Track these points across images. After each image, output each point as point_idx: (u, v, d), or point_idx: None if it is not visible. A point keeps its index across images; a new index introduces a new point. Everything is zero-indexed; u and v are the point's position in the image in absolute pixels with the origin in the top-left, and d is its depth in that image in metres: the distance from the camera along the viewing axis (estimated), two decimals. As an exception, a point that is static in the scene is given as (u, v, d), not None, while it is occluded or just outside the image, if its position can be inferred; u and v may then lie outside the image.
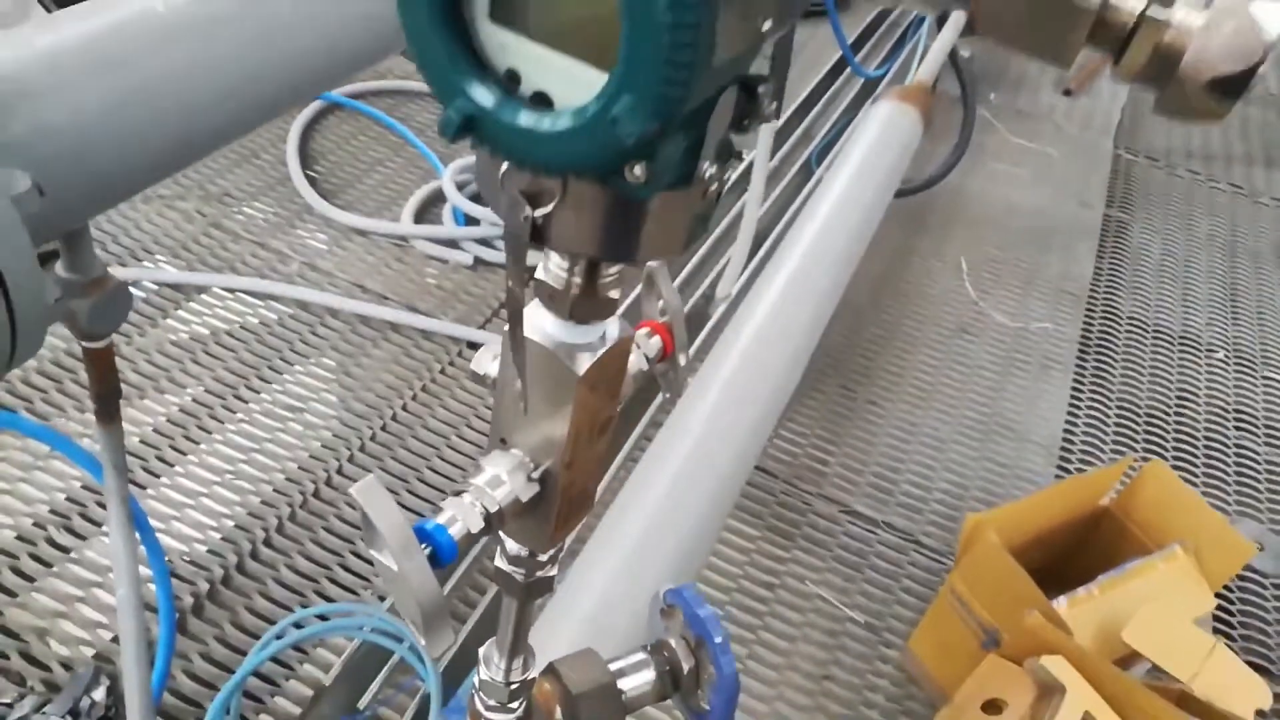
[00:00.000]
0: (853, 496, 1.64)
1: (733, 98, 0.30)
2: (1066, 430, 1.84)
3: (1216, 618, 1.54)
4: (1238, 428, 1.91)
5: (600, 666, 0.60)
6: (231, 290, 1.80)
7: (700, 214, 0.33)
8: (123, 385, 0.97)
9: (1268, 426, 1.92)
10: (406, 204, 2.03)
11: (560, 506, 0.42)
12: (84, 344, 0.99)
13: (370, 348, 1.75)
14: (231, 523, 1.44)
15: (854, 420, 1.78)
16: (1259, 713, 1.17)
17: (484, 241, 1.96)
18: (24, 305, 0.72)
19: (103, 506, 1.41)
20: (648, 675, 0.60)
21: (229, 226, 1.94)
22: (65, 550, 1.36)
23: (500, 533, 0.44)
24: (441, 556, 0.38)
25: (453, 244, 1.96)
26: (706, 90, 0.28)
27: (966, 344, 1.99)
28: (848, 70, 2.56)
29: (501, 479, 0.40)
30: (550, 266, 0.36)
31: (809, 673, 1.39)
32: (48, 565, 1.34)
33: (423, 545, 0.38)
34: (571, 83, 0.28)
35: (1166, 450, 1.85)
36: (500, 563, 0.47)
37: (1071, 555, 1.42)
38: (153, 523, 1.39)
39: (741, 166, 1.96)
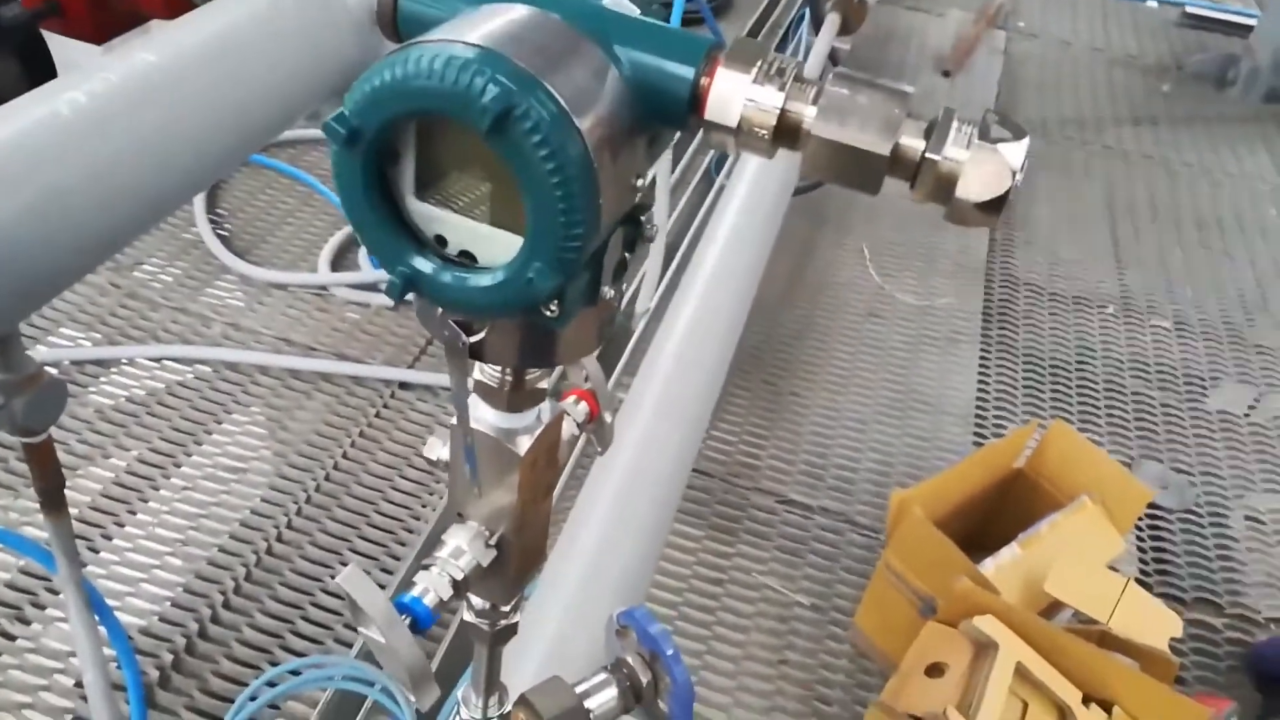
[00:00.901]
0: (787, 486, 1.72)
1: (621, 234, 0.37)
2: (979, 398, 1.95)
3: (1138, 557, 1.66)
4: (1134, 376, 2.05)
5: (567, 691, 0.66)
6: (157, 359, 1.81)
7: (606, 320, 0.39)
8: (63, 466, 0.99)
9: (1159, 373, 2.06)
10: (321, 252, 2.06)
11: (516, 564, 0.48)
12: (23, 440, 1.01)
13: (304, 400, 1.78)
14: (187, 590, 1.46)
15: (780, 413, 1.86)
16: (1173, 640, 1.28)
17: (404, 281, 1.99)
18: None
19: (52, 591, 1.42)
20: (611, 693, 0.66)
21: (145, 295, 1.94)
22: (21, 640, 1.37)
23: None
24: (421, 624, 0.44)
25: (372, 287, 1.99)
26: (601, 240, 0.35)
27: (877, 327, 2.09)
28: (737, 74, 2.65)
29: (463, 549, 0.46)
30: (486, 369, 0.42)
31: (766, 659, 1.47)
32: (5, 658, 1.35)
33: (403, 616, 0.44)
34: (491, 245, 0.35)
35: (1072, 405, 1.97)
36: (468, 616, 0.53)
37: (993, 517, 1.52)
38: (109, 601, 1.41)
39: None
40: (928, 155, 0.33)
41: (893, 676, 1.29)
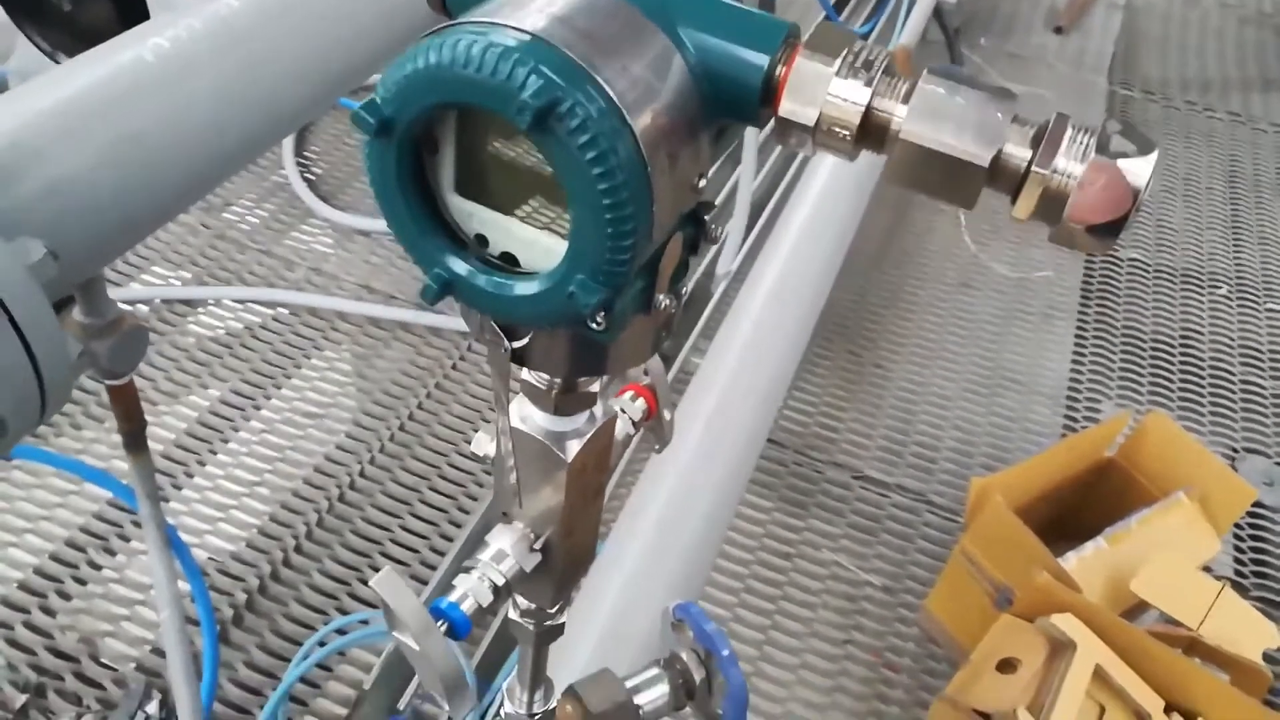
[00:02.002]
0: (863, 461, 1.68)
1: (680, 239, 0.33)
2: (1072, 378, 1.87)
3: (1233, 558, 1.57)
4: (1243, 363, 1.93)
5: (617, 685, 0.63)
6: (242, 301, 1.84)
7: (661, 328, 0.36)
8: (147, 398, 1.01)
9: (1273, 360, 1.94)
10: (405, 200, 2.05)
11: (563, 568, 0.45)
12: (106, 382, 1.03)
13: (382, 348, 1.78)
14: (262, 532, 1.49)
15: (861, 384, 1.81)
16: (1267, 654, 1.21)
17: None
18: (51, 370, 0.75)
19: (136, 525, 1.47)
20: (662, 689, 0.64)
21: (233, 236, 1.97)
22: (105, 570, 1.42)
23: (511, 591, 0.48)
24: (458, 631, 0.42)
25: (454, 237, 1.98)
26: (654, 248, 0.31)
27: (969, 299, 2.01)
28: (835, 28, 2.54)
29: (506, 553, 0.44)
30: (532, 371, 0.39)
31: (831, 638, 1.44)
32: (91, 586, 1.40)
33: (439, 623, 0.41)
34: (534, 247, 0.31)
35: (1172, 390, 1.87)
36: (512, 615, 0.50)
37: (1081, 506, 1.46)
38: (187, 537, 1.45)
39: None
40: (1035, 168, 0.29)
41: (962, 668, 1.25)
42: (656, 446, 0.51)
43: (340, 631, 1.35)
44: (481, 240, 0.33)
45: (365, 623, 1.36)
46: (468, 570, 0.43)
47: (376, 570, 1.43)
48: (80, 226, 0.86)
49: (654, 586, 0.84)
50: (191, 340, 1.76)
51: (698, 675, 0.64)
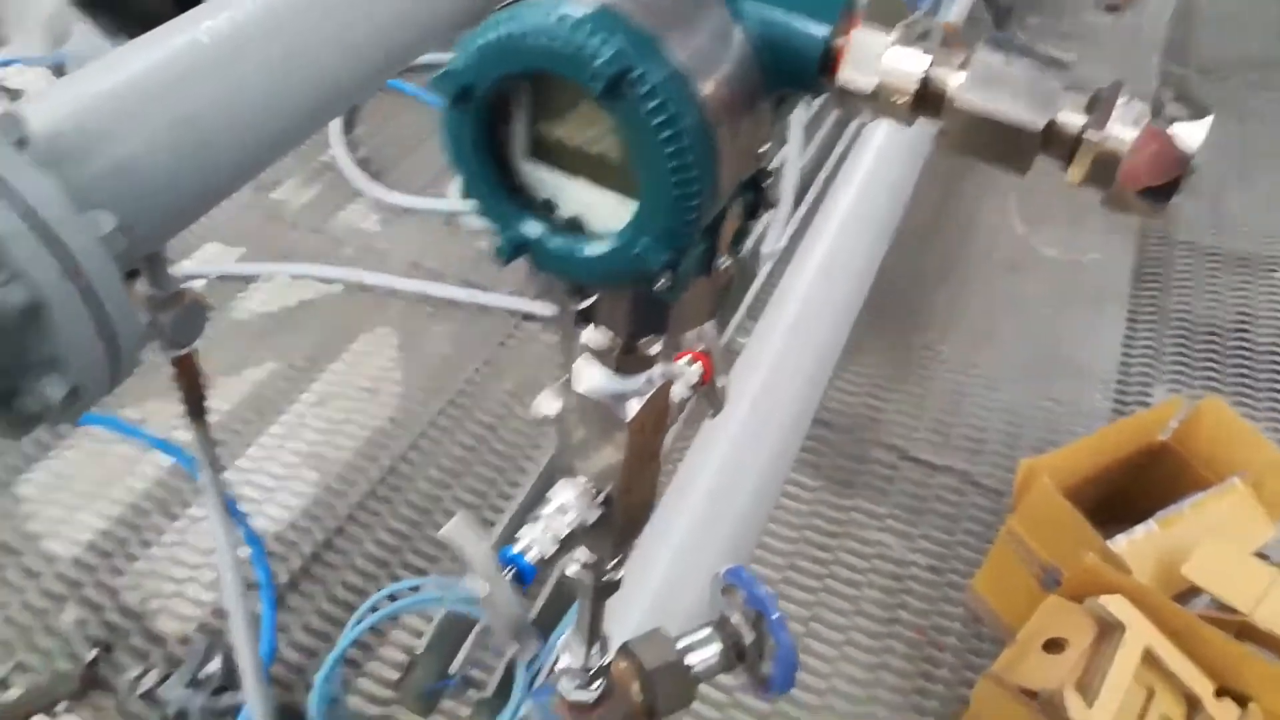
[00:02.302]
0: (910, 442, 1.67)
1: (741, 203, 0.35)
2: (1122, 362, 1.84)
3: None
4: (1301, 348, 1.89)
5: (670, 645, 0.66)
6: (298, 277, 1.88)
7: (721, 289, 0.37)
8: (205, 372, 1.05)
9: (1331, 345, 1.90)
10: (453, 179, 2.08)
11: (623, 523, 0.47)
12: (170, 353, 1.07)
13: (432, 325, 1.82)
14: (317, 500, 1.53)
15: (908, 366, 1.80)
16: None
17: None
18: (125, 337, 0.79)
19: (197, 492, 1.52)
20: (714, 649, 0.66)
21: (284, 214, 2.01)
22: (168, 535, 1.47)
23: (571, 546, 0.50)
24: (524, 578, 0.44)
25: (504, 216, 2.01)
26: (717, 211, 0.33)
27: (1019, 281, 1.99)
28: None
29: (569, 506, 0.46)
30: (596, 331, 0.41)
31: (876, 616, 1.44)
32: (155, 550, 1.45)
33: (507, 569, 0.44)
34: (601, 210, 0.33)
35: (1225, 375, 1.84)
36: (572, 570, 0.52)
37: (1131, 490, 1.44)
38: (246, 506, 1.50)
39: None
40: (1088, 134, 0.30)
41: (1008, 647, 1.25)
42: (711, 412, 0.52)
43: (392, 597, 1.38)
44: (551, 204, 0.35)
45: (416, 589, 1.40)
46: (533, 522, 0.45)
47: (427, 539, 1.48)
48: (140, 205, 0.89)
49: (702, 559, 0.85)
50: (245, 316, 1.81)
51: (748, 637, 0.66)
